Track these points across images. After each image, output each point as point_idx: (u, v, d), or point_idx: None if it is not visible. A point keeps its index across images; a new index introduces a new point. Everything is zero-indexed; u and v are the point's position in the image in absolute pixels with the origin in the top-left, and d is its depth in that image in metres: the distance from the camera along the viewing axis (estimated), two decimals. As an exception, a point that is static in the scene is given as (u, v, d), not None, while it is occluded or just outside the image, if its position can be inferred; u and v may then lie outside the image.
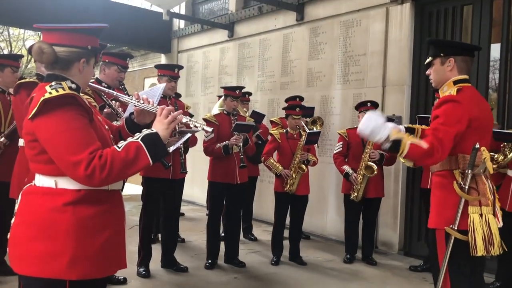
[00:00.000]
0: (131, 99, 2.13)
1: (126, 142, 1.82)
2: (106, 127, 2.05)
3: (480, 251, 2.41)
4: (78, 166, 1.71)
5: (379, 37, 5.94)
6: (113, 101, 3.45)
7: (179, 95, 4.78)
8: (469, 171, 2.46)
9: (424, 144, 2.41)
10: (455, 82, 2.61)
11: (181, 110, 2.02)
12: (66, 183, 1.82)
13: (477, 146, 2.46)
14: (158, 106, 2.02)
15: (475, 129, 2.53)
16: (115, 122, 2.90)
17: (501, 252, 2.47)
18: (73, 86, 1.88)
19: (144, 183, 4.53)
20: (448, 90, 2.62)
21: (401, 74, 5.75)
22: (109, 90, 2.36)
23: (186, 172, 4.50)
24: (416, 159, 2.49)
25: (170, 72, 4.45)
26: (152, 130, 1.89)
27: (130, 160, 1.78)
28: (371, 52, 6.03)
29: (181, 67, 4.62)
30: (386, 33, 5.87)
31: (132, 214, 7.35)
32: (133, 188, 9.41)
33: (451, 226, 2.47)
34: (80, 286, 1.81)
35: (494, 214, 2.52)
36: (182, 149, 4.39)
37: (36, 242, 1.78)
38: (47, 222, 1.79)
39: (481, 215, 2.45)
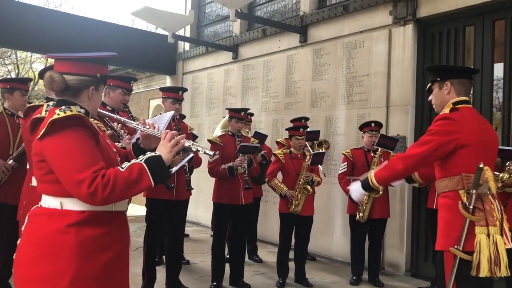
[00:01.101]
0: (138, 125, 2.19)
1: (130, 163, 1.88)
2: (114, 150, 2.10)
3: (484, 272, 2.36)
4: (81, 184, 1.75)
5: (382, 58, 5.99)
6: (115, 124, 3.50)
7: (183, 117, 4.82)
8: (474, 190, 2.45)
9: (384, 163, 2.73)
10: (454, 104, 2.65)
11: (184, 135, 2.08)
12: (71, 204, 1.85)
13: (481, 165, 2.45)
14: (162, 131, 2.08)
15: (476, 148, 2.53)
16: (117, 143, 2.96)
17: (509, 274, 2.42)
18: (82, 111, 1.94)
19: (147, 204, 4.53)
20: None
21: (404, 94, 5.78)
22: (117, 116, 2.42)
23: (191, 189, 4.49)
24: (388, 174, 2.71)
25: (174, 94, 4.50)
26: (155, 153, 1.95)
27: (132, 181, 1.82)
28: (374, 73, 6.07)
29: (185, 90, 4.67)
30: (389, 54, 5.92)
31: (137, 235, 7.31)
32: (137, 209, 9.40)
33: (456, 246, 2.45)
34: None
35: (502, 235, 2.49)
36: (187, 167, 4.39)
37: (39, 263, 1.81)
38: (50, 243, 1.81)
39: (488, 235, 2.41)
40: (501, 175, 4.14)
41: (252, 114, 6.53)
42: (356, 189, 2.87)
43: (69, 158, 1.78)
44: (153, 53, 9.36)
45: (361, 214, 5.01)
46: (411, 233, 5.69)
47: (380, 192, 4.83)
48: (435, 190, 4.77)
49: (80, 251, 1.82)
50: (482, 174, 2.45)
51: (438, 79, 2.71)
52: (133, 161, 1.91)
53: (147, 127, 2.16)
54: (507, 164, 4.09)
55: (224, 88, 8.67)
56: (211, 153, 2.14)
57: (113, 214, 1.95)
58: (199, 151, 2.09)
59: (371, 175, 2.73)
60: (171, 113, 2.89)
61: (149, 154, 1.94)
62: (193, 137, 4.69)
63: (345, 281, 5.23)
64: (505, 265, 2.40)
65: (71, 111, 1.84)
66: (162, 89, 4.68)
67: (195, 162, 4.56)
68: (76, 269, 1.80)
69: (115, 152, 2.10)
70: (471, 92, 4.94)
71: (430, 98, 2.82)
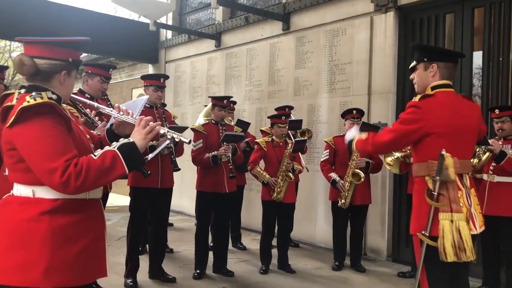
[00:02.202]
0: (111, 111, 2.17)
1: (102, 151, 1.85)
2: (88, 136, 2.07)
3: (450, 257, 2.41)
4: (53, 174, 1.73)
5: (364, 46, 6.01)
6: (88, 110, 3.46)
7: (164, 105, 4.77)
8: (437, 177, 2.48)
9: (364, 136, 2.84)
10: (433, 88, 2.64)
11: (159, 122, 2.05)
12: (43, 193, 1.84)
13: (443, 152, 2.47)
14: (136, 117, 2.06)
15: (441, 135, 2.54)
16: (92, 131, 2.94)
17: (474, 258, 2.46)
18: (54, 96, 1.90)
19: (131, 193, 4.51)
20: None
21: (386, 82, 5.82)
22: (91, 102, 2.38)
23: (179, 169, 4.45)
24: (361, 148, 2.89)
25: (156, 81, 4.47)
26: (129, 140, 1.93)
27: (105, 169, 1.81)
28: (356, 61, 6.10)
29: (166, 77, 4.63)
30: (371, 41, 5.95)
31: (120, 225, 7.30)
32: (121, 199, 9.36)
33: (423, 232, 2.50)
34: None
35: (469, 221, 2.51)
36: (173, 148, 4.37)
37: (12, 252, 1.79)
38: (23, 232, 1.80)
39: (451, 221, 2.45)
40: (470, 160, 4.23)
41: (235, 102, 6.51)
42: (351, 135, 3.06)
43: (40, 147, 1.76)
44: (135, 42, 9.25)
45: (343, 201, 5.06)
46: (393, 219, 5.77)
47: (362, 179, 4.96)
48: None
49: (53, 240, 1.81)
50: (443, 160, 2.47)
51: (425, 59, 2.67)
52: (106, 148, 1.88)
53: (121, 113, 2.14)
54: (476, 150, 4.18)
55: (207, 77, 8.62)
56: (187, 140, 2.11)
57: (87, 202, 1.94)
58: (174, 138, 2.07)
59: (355, 138, 2.90)
60: (145, 97, 2.86)
61: (122, 140, 1.92)
62: (181, 129, 4.64)
63: (328, 267, 5.30)
64: (470, 249, 2.43)
65: (42, 98, 1.80)
66: (143, 77, 4.64)
67: (178, 150, 4.53)
68: (50, 258, 1.79)
69: (88, 139, 2.07)
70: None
71: (412, 76, 2.79)
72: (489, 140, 4.04)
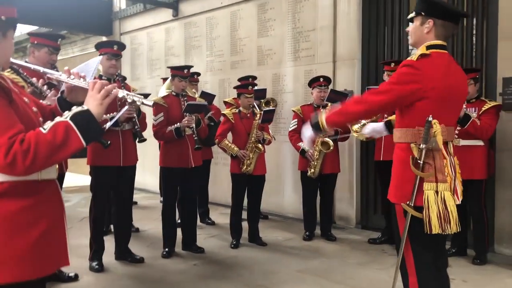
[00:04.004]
0: (61, 76, 1.90)
1: (53, 123, 1.60)
2: (34, 109, 1.81)
3: (436, 229, 2.31)
4: None
5: (327, 12, 5.86)
6: (35, 79, 3.10)
7: (124, 78, 4.47)
8: (423, 145, 2.35)
9: (334, 109, 2.60)
10: (428, 47, 2.45)
11: (115, 84, 1.79)
12: None
13: (430, 118, 2.34)
14: (90, 81, 1.80)
15: (433, 100, 2.38)
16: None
17: (458, 230, 2.40)
18: None
19: (92, 173, 4.25)
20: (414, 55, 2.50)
21: (351, 48, 5.72)
22: (35, 66, 2.09)
23: (144, 140, 4.18)
24: (341, 119, 2.62)
25: (109, 49, 4.14)
26: (83, 107, 1.67)
27: (58, 143, 1.57)
28: (320, 27, 5.95)
29: (122, 45, 4.30)
30: (335, 7, 5.81)
31: (82, 206, 7.01)
32: (81, 178, 9.00)
33: (407, 202, 2.39)
34: None
35: (453, 191, 2.43)
36: (136, 118, 4.11)
37: None
38: None
39: (436, 192, 2.34)
40: None
41: (198, 74, 6.25)
42: (306, 132, 2.76)
43: None
44: (87, 13, 8.75)
45: (312, 170, 5.00)
46: (360, 187, 5.78)
47: (331, 148, 4.90)
48: (380, 143, 4.88)
49: (4, 228, 1.58)
50: (430, 127, 2.35)
51: (423, 13, 2.46)
52: (57, 119, 1.63)
53: (72, 77, 1.87)
54: None
55: (166, 48, 8.28)
56: (150, 103, 1.88)
57: (40, 184, 1.69)
58: (135, 101, 1.82)
59: (322, 119, 2.59)
60: (98, 58, 2.58)
61: (75, 109, 1.66)
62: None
63: (299, 237, 5.26)
64: (455, 221, 2.35)
65: None
66: (96, 46, 4.29)
67: (141, 124, 4.27)
68: (3, 249, 1.57)
69: (36, 112, 1.80)
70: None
71: (408, 29, 2.60)
72: None
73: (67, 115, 1.64)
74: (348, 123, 2.87)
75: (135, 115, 4.07)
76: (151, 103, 1.89)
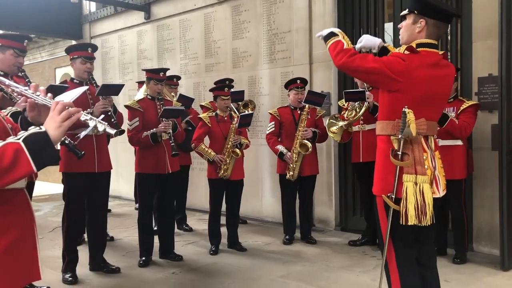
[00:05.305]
0: (26, 90, 1.72)
1: (3, 143, 1.45)
2: (8, 125, 1.66)
3: (412, 220, 2.33)
4: None
5: (303, 13, 5.83)
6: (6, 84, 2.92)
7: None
8: (400, 135, 2.36)
9: (347, 45, 2.51)
10: (418, 46, 2.44)
11: (80, 108, 1.63)
12: None
13: (405, 109, 2.34)
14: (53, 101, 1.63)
15: (417, 97, 2.40)
16: (10, 108, 2.44)
17: (433, 223, 2.41)
18: None
19: (65, 180, 4.07)
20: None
21: (326, 50, 5.66)
22: (0, 78, 1.90)
23: (123, 131, 3.95)
24: (331, 51, 2.60)
25: (83, 52, 3.99)
26: (40, 128, 1.51)
27: (4, 167, 1.41)
28: (296, 29, 5.91)
29: (95, 47, 4.14)
30: (310, 8, 5.78)
31: (53, 215, 6.77)
32: (52, 187, 8.71)
33: (388, 194, 2.41)
34: None
35: (433, 184, 2.44)
36: (112, 111, 3.91)
37: None
38: None
39: (415, 183, 2.36)
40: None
41: (178, 77, 6.08)
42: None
43: None
44: (56, 16, 8.48)
45: (291, 173, 4.93)
46: (339, 189, 5.75)
47: (310, 150, 4.85)
48: (358, 145, 4.86)
49: None
50: (405, 117, 2.35)
51: (416, 12, 2.45)
52: (9, 139, 1.48)
53: (38, 93, 1.69)
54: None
55: (138, 51, 8.10)
56: (113, 131, 1.70)
57: (6, 193, 1.56)
58: (97, 128, 1.66)
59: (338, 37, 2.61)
60: (84, 88, 2.43)
61: (32, 129, 1.51)
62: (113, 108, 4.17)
63: (279, 241, 5.19)
64: (431, 214, 2.37)
65: None
66: (68, 49, 4.11)
67: (117, 119, 4.09)
68: None
69: (10, 128, 1.65)
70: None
71: (399, 26, 2.59)
72: None
73: (21, 135, 1.48)
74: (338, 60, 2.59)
75: (110, 109, 3.90)
76: (113, 132, 1.71)
